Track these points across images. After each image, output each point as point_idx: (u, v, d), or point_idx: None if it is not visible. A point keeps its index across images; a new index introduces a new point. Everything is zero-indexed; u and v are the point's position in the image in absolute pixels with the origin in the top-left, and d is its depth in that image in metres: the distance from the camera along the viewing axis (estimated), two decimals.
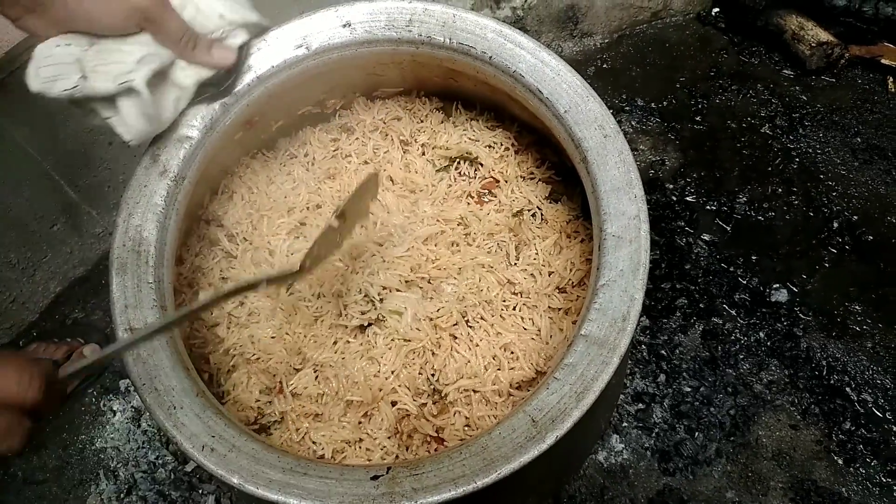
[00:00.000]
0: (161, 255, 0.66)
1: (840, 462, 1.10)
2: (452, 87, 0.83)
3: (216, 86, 0.69)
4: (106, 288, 1.31)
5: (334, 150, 0.86)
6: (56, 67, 0.60)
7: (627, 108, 1.48)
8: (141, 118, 0.63)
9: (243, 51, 0.70)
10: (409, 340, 0.72)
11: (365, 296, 0.74)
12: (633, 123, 1.46)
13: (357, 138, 0.87)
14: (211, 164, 0.74)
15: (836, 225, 1.31)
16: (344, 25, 0.73)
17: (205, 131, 0.71)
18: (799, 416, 1.15)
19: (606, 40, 1.57)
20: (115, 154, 1.28)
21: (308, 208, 0.82)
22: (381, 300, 0.74)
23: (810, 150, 1.40)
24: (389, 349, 0.72)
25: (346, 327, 0.74)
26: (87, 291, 1.34)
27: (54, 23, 0.61)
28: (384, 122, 0.87)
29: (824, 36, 1.45)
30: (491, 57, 0.71)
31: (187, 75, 0.66)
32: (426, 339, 0.72)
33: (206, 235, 0.82)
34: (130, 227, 0.66)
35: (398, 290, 0.74)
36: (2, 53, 1.04)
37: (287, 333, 0.75)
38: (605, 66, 1.54)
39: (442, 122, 0.87)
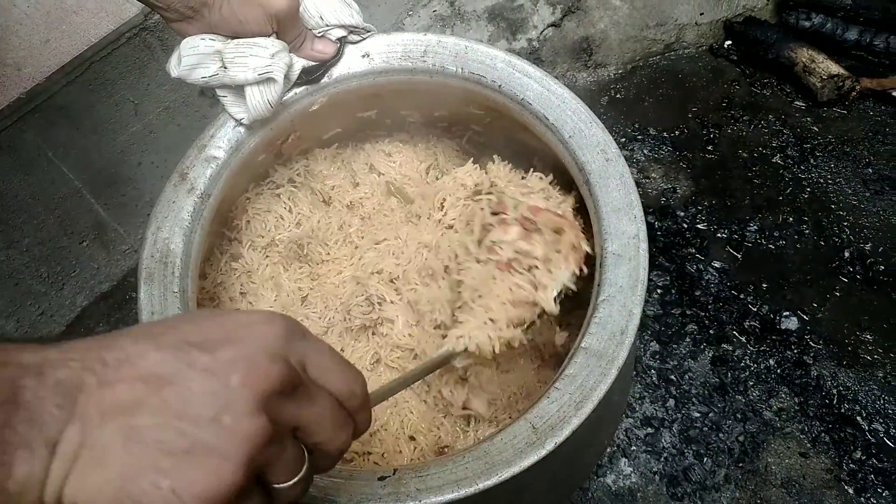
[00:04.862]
0: (186, 266, 0.70)
1: (851, 491, 1.10)
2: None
3: (309, 73, 0.78)
4: (129, 303, 1.37)
5: (341, 178, 0.90)
6: (198, 57, 0.70)
7: (640, 136, 1.51)
8: (263, 103, 0.73)
9: (341, 45, 0.79)
10: (403, 349, 0.75)
11: (366, 298, 0.78)
12: (645, 152, 1.49)
13: (365, 165, 0.92)
14: (235, 183, 0.79)
15: (847, 254, 1.32)
16: (363, 56, 0.78)
17: (231, 152, 0.75)
18: (809, 445, 1.15)
19: (620, 71, 1.61)
20: (143, 174, 1.33)
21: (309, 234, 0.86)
22: (380, 304, 0.78)
23: (821, 181, 1.42)
24: (390, 359, 0.75)
25: (352, 330, 0.77)
26: (111, 306, 1.38)
27: (207, 27, 0.71)
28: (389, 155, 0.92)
29: (835, 68, 1.47)
30: (500, 85, 0.75)
31: (294, 67, 0.76)
32: (417, 346, 0.75)
33: (227, 251, 0.86)
34: (159, 239, 0.71)
35: (392, 302, 0.78)
36: (43, 79, 1.11)
37: None
38: (618, 96, 1.58)
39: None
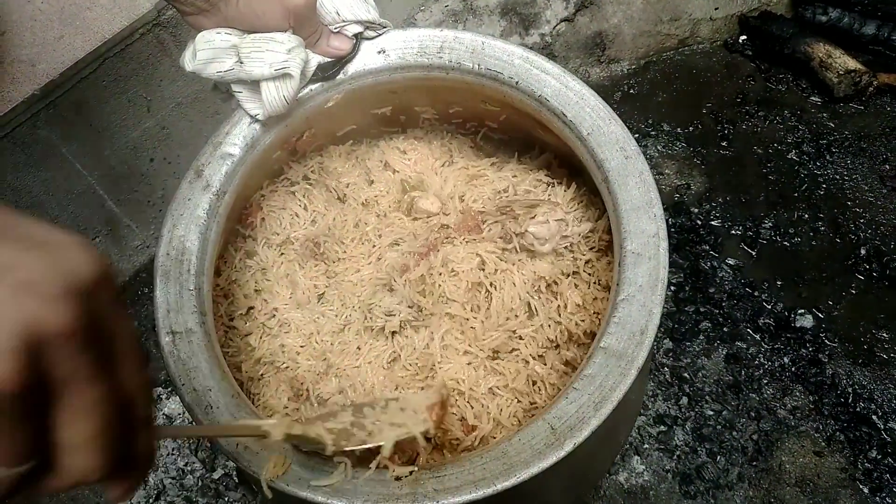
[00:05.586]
0: (202, 264, 0.71)
1: (866, 491, 1.09)
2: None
3: (325, 70, 0.78)
4: (142, 299, 1.37)
5: (356, 175, 0.90)
6: (213, 52, 0.70)
7: (653, 132, 1.50)
8: (279, 99, 0.73)
9: (357, 41, 0.79)
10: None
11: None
12: (658, 148, 1.48)
13: (380, 162, 0.91)
14: (250, 180, 0.79)
15: (863, 252, 1.31)
16: (379, 52, 0.78)
17: (246, 149, 0.75)
18: (824, 443, 1.14)
19: (633, 66, 1.60)
20: (156, 170, 1.34)
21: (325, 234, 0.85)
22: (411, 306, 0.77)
23: (837, 177, 1.40)
24: (408, 361, 0.75)
25: (372, 329, 0.77)
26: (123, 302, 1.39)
27: (223, 21, 0.70)
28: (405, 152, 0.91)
29: (852, 64, 1.45)
30: (518, 82, 0.74)
31: (309, 63, 0.75)
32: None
33: (242, 248, 0.86)
34: (174, 237, 0.71)
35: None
36: (57, 75, 1.11)
37: (316, 342, 0.78)
38: (631, 91, 1.57)
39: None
